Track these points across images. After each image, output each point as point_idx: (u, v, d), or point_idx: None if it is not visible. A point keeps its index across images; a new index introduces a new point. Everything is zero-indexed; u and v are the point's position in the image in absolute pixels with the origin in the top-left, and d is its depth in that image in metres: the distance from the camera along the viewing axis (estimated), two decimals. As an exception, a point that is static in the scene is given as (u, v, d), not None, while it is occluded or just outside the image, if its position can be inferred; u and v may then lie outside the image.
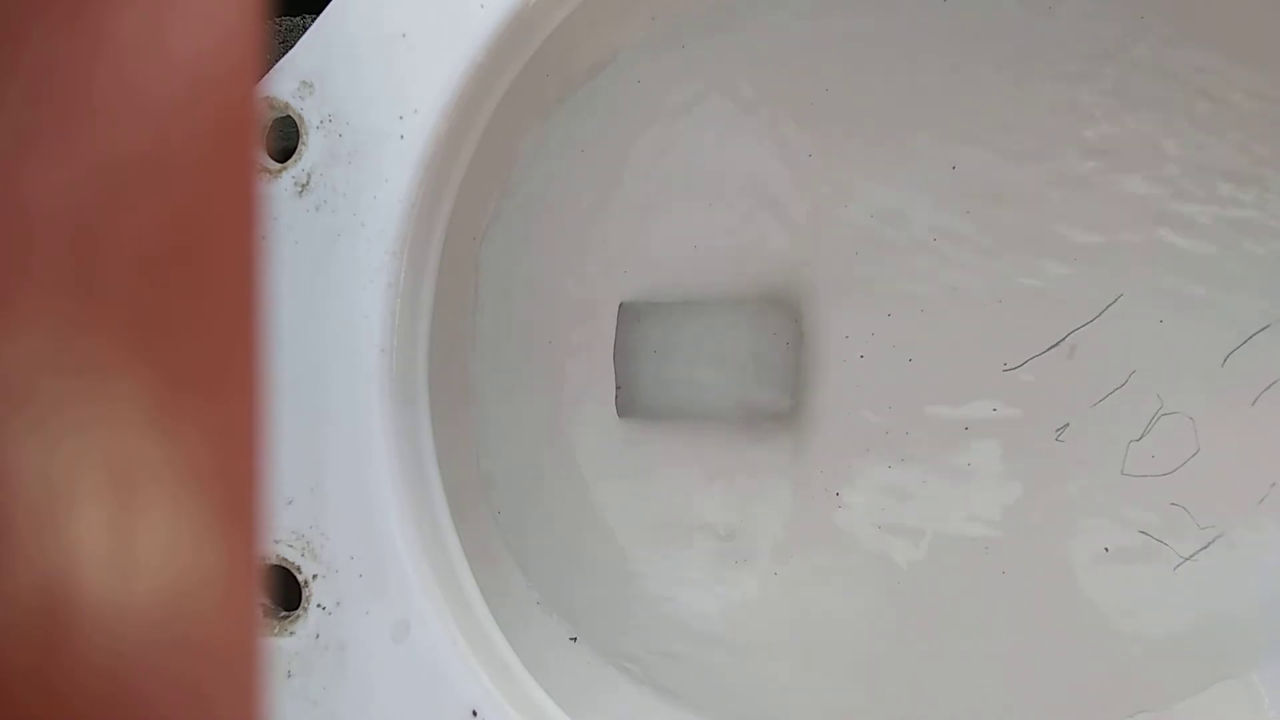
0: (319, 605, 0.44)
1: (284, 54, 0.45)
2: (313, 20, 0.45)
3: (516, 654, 0.47)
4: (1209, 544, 0.60)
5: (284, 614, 0.45)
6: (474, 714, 0.44)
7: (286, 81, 0.45)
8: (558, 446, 0.62)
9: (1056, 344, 0.62)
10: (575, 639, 0.58)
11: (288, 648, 0.44)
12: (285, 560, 0.44)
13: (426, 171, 0.45)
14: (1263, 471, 0.60)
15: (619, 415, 0.63)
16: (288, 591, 0.45)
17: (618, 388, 0.63)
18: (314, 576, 0.44)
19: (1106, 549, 0.61)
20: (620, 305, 0.63)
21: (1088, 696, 0.59)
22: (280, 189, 0.45)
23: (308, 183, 0.45)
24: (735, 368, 0.65)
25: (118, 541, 0.19)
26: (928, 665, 0.61)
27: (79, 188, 0.19)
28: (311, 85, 0.45)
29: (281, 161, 0.45)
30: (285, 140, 0.46)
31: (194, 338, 0.20)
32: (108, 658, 0.19)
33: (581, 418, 0.62)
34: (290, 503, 0.44)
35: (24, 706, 0.18)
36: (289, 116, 0.45)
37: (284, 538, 0.44)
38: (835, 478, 0.63)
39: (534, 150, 0.57)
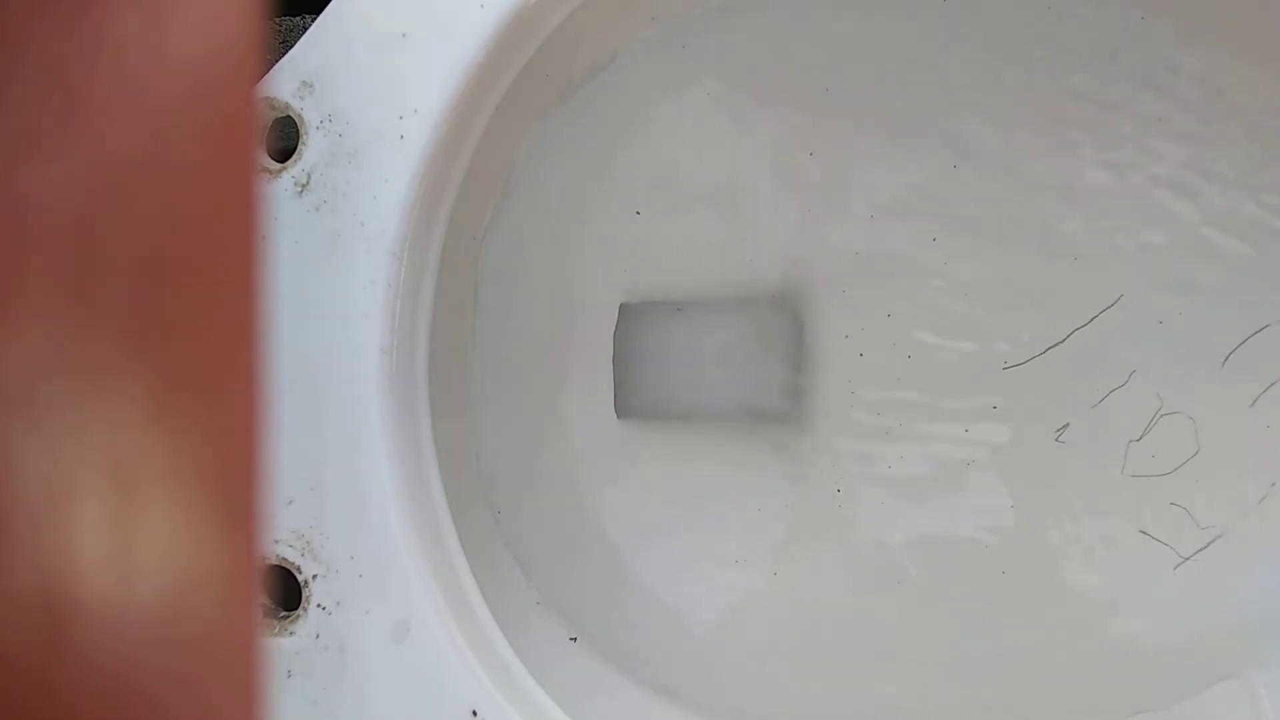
0: (319, 605, 0.44)
1: (284, 54, 0.45)
2: (313, 20, 0.45)
3: (516, 654, 0.47)
4: (1209, 544, 0.60)
5: (284, 614, 0.45)
6: (474, 714, 0.44)
7: (286, 81, 0.45)
8: (557, 447, 0.62)
9: (1057, 344, 0.62)
10: (575, 639, 0.58)
11: (288, 648, 0.44)
12: (285, 560, 0.44)
13: (426, 171, 0.45)
14: (1263, 471, 0.60)
15: (618, 415, 0.63)
16: (288, 591, 0.45)
17: (617, 388, 0.63)
18: (314, 576, 0.44)
19: (1106, 549, 0.61)
20: (620, 305, 0.63)
21: (1088, 696, 0.59)
22: (280, 189, 0.45)
23: (308, 183, 0.45)
24: (735, 367, 0.65)
25: (118, 542, 0.19)
26: (928, 665, 0.61)
27: (79, 188, 0.19)
28: (311, 85, 0.45)
29: (281, 161, 0.45)
30: (285, 140, 0.46)
31: (194, 338, 0.20)
32: (108, 658, 0.19)
33: (581, 418, 0.62)
34: (290, 503, 0.44)
35: (24, 706, 0.18)
36: (289, 116, 0.45)
37: (284, 538, 0.44)
38: (835, 477, 0.63)
39: (534, 150, 0.57)
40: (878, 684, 0.61)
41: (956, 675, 0.61)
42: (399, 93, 0.44)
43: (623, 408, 0.63)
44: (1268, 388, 0.60)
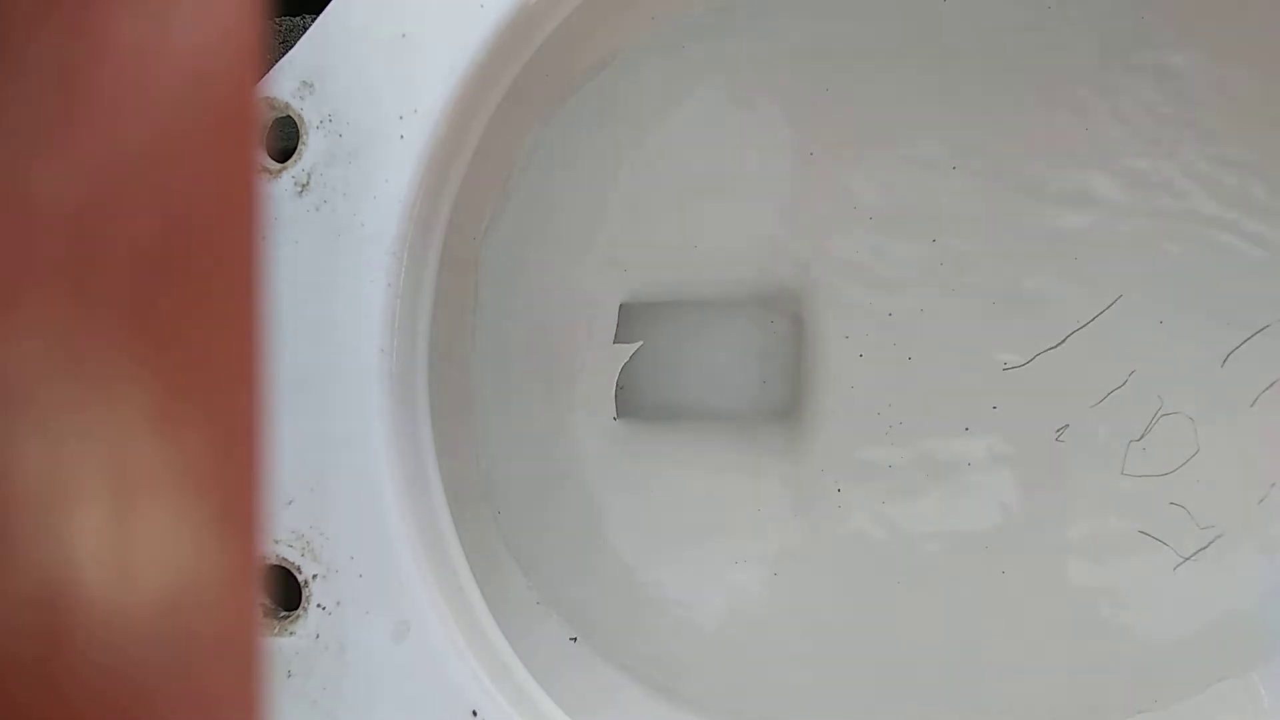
0: (319, 605, 0.44)
1: (284, 54, 0.45)
2: (313, 20, 0.45)
3: (516, 654, 0.47)
4: (1209, 544, 0.60)
5: (284, 614, 0.45)
6: (474, 714, 0.44)
7: (286, 81, 0.45)
8: (558, 447, 0.62)
9: (1057, 344, 0.62)
10: (575, 639, 0.58)
11: (288, 648, 0.44)
12: (285, 560, 0.44)
13: (426, 171, 0.45)
14: (1263, 471, 0.60)
15: (618, 415, 0.63)
16: (288, 591, 0.45)
17: (617, 388, 0.63)
18: (314, 576, 0.44)
19: (1106, 549, 0.61)
20: (620, 305, 0.63)
21: (1088, 696, 0.59)
22: (280, 189, 0.45)
23: (308, 183, 0.45)
24: (735, 368, 0.65)
25: (119, 542, 0.19)
26: (928, 665, 0.61)
27: (81, 189, 0.19)
28: (311, 85, 0.45)
29: (281, 161, 0.45)
30: (285, 140, 0.46)
31: (194, 338, 0.20)
32: (109, 658, 0.19)
33: (581, 418, 0.62)
34: (290, 503, 0.44)
35: (26, 706, 0.18)
36: (289, 116, 0.45)
37: (284, 538, 0.44)
38: (835, 478, 0.63)
39: (534, 150, 0.57)
40: (877, 683, 0.61)
41: (956, 675, 0.61)
42: (399, 93, 0.44)
43: (623, 408, 0.63)
44: (1268, 387, 0.60)
